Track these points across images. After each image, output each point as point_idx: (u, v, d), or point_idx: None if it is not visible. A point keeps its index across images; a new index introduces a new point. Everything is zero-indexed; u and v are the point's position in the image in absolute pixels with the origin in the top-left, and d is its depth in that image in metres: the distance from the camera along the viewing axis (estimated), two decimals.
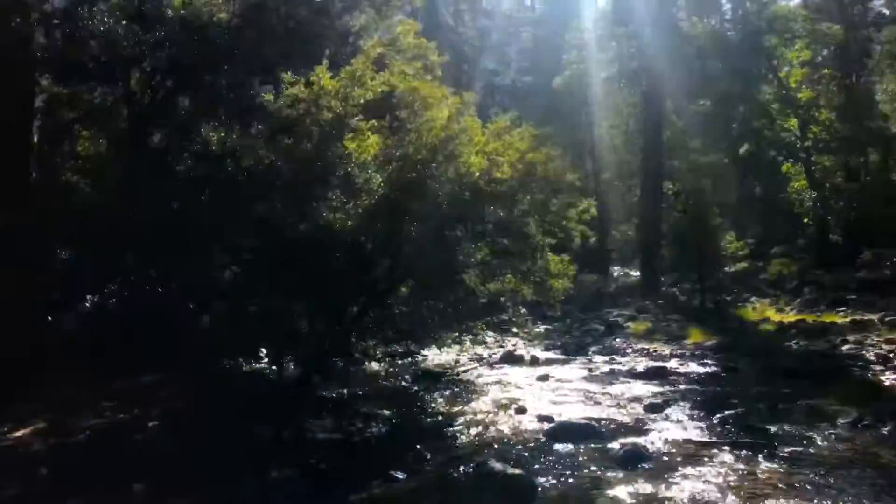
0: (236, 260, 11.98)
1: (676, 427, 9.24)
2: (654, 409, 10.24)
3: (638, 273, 32.66)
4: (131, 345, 12.70)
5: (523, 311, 11.93)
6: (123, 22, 13.04)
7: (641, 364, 14.15)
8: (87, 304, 13.45)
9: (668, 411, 10.12)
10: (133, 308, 13.35)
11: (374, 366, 15.21)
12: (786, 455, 7.78)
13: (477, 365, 15.58)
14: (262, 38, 13.83)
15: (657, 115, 28.89)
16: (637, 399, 11.05)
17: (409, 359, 16.16)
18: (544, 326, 19.87)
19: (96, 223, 13.98)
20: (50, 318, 13.88)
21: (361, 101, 10.37)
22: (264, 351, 13.80)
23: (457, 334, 14.19)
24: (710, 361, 14.01)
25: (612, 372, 13.67)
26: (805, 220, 33.26)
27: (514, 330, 19.85)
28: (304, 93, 10.01)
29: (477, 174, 10.03)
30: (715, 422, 9.32)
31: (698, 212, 21.65)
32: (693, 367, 13.53)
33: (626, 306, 23.67)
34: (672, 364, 13.98)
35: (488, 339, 18.11)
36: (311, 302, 11.33)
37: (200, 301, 12.41)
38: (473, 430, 9.99)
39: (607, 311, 22.69)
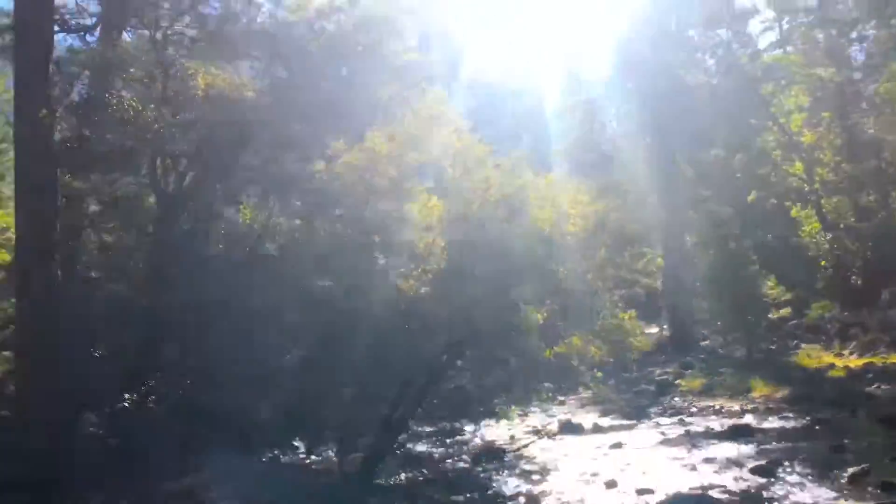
0: (285, 343, 11.18)
1: (803, 493, 8.34)
2: (763, 472, 9.34)
3: (657, 328, 31.81)
4: (173, 443, 11.83)
5: (599, 374, 11.10)
6: (151, 106, 12.67)
7: (716, 423, 13.27)
8: (126, 403, 12.51)
9: (780, 473, 9.23)
10: (173, 403, 12.49)
11: (423, 446, 14.27)
12: None
13: (535, 438, 14.58)
14: (291, 114, 13.48)
15: (668, 168, 28.78)
16: (735, 462, 10.16)
17: (457, 437, 15.18)
18: (589, 391, 18.89)
19: (125, 317, 13.28)
20: (82, 420, 12.97)
21: (415, 164, 9.84)
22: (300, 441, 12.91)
23: (519, 406, 13.33)
24: (791, 415, 13.14)
25: (688, 434, 12.77)
26: (822, 263, 32.74)
27: (560, 398, 18.91)
28: (357, 159, 9.46)
29: (548, 228, 9.42)
30: (843, 481, 8.42)
31: (729, 260, 21.09)
32: (777, 423, 12.67)
33: (664, 363, 22.75)
34: (750, 420, 13.11)
35: (533, 410, 17.16)
36: (373, 383, 10.50)
37: (251, 390, 11.50)
38: None
39: (648, 370, 21.75)
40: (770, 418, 13.11)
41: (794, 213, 34.32)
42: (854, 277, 33.36)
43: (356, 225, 9.67)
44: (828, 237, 32.09)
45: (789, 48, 40.25)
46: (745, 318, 20.72)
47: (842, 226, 32.91)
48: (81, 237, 15.24)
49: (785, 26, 43.18)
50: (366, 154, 9.51)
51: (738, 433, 11.98)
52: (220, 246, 14.06)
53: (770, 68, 34.94)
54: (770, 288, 21.43)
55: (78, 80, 14.66)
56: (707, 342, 25.94)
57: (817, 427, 11.95)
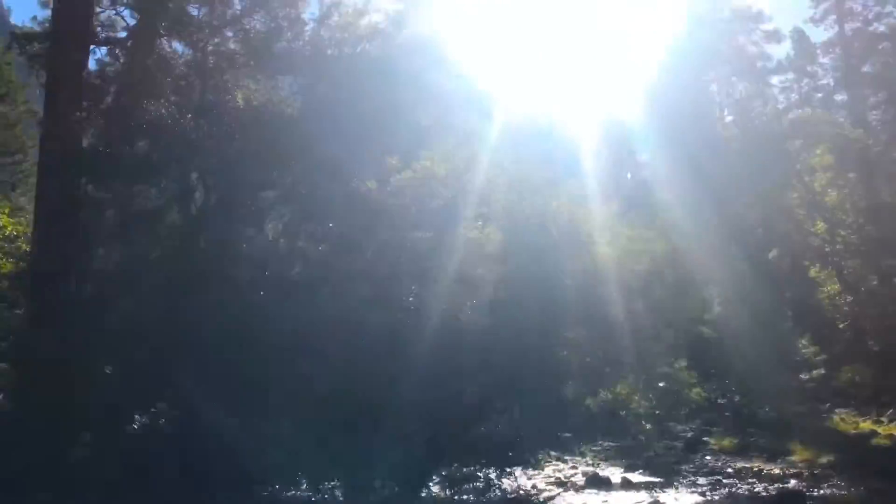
0: (316, 373, 10.43)
1: None
2: None
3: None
4: (174, 472, 11.08)
5: (648, 426, 10.35)
6: (189, 116, 12.19)
7: (760, 487, 12.45)
8: (136, 426, 11.74)
9: None
10: (183, 429, 11.72)
11: (440, 490, 13.41)
12: None
13: (560, 490, 13.66)
14: (330, 134, 12.98)
15: (697, 216, 28.28)
16: None
17: (475, 483, 14.29)
18: (610, 443, 17.95)
19: (141, 334, 12.60)
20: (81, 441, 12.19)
21: (471, 189, 9.28)
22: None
23: (546, 453, 12.53)
24: (842, 483, 12.32)
25: (732, 496, 11.93)
26: (840, 326, 32.03)
27: (582, 450, 17.99)
28: (411, 179, 8.89)
29: (608, 265, 8.80)
30: None
31: (761, 316, 20.40)
32: (829, 491, 11.84)
33: (685, 419, 21.76)
34: (797, 485, 12.27)
35: (553, 458, 16.24)
36: (406, 422, 9.75)
37: (272, 420, 10.75)
38: None
39: (668, 424, 20.77)
40: (820, 486, 12.28)
41: (812, 273, 33.68)
42: (871, 342, 32.58)
43: (405, 250, 9.03)
44: (847, 300, 31.40)
45: (808, 109, 40.26)
46: (777, 376, 19.91)
47: (862, 289, 32.24)
48: (98, 249, 14.70)
49: (804, 88, 43.37)
50: (421, 174, 8.93)
51: (789, 500, 11.16)
52: (244, 267, 13.41)
53: (795, 125, 34.74)
54: (804, 347, 20.68)
55: (111, 87, 14.29)
56: (724, 400, 25.02)
57: (875, 498, 11.12)
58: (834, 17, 37.00)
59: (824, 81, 41.85)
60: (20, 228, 16.44)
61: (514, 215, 9.31)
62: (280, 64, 13.48)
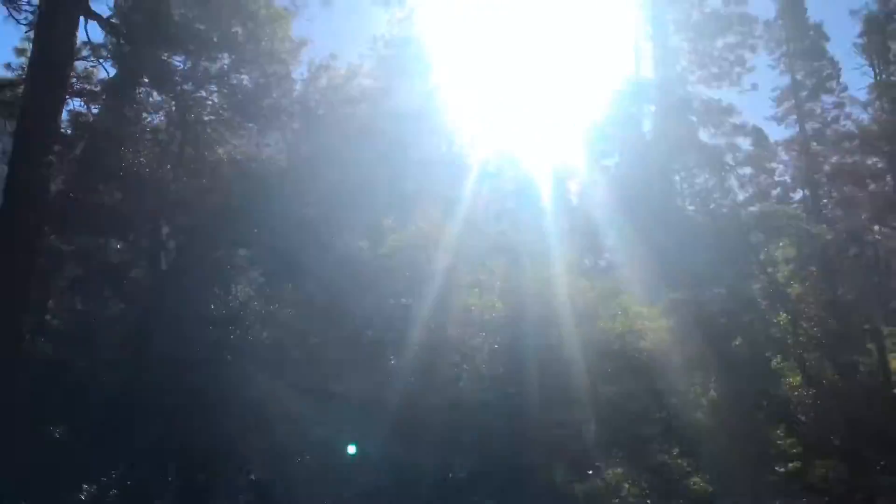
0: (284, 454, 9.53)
1: None
2: None
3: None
4: None
5: None
6: (168, 167, 11.60)
7: None
8: (83, 496, 10.58)
9: None
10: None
11: None
12: None
13: None
14: (312, 194, 12.52)
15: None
16: None
17: None
18: None
19: (95, 395, 11.60)
20: None
21: (470, 253, 8.85)
22: None
23: None
24: None
25: None
26: (802, 419, 31.83)
27: None
28: (407, 240, 8.44)
29: (612, 343, 8.35)
30: None
31: (733, 406, 19.91)
32: None
33: None
34: None
35: None
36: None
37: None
38: None
39: None
40: None
41: (773, 365, 33.53)
42: (832, 436, 32.23)
43: (396, 315, 8.46)
44: (810, 392, 31.30)
45: (767, 203, 41.18)
46: (751, 468, 19.26)
47: (824, 382, 32.22)
48: (57, 302, 13.81)
49: (763, 183, 44.72)
50: (418, 237, 8.48)
51: None
52: (211, 328, 12.57)
53: (758, 218, 35.47)
54: (780, 439, 20.11)
55: (84, 135, 13.69)
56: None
57: None
58: (794, 117, 38.59)
59: (782, 178, 43.20)
60: None
61: (512, 283, 8.86)
62: (267, 120, 13.11)
